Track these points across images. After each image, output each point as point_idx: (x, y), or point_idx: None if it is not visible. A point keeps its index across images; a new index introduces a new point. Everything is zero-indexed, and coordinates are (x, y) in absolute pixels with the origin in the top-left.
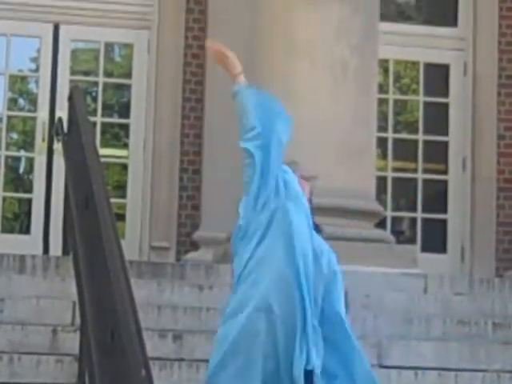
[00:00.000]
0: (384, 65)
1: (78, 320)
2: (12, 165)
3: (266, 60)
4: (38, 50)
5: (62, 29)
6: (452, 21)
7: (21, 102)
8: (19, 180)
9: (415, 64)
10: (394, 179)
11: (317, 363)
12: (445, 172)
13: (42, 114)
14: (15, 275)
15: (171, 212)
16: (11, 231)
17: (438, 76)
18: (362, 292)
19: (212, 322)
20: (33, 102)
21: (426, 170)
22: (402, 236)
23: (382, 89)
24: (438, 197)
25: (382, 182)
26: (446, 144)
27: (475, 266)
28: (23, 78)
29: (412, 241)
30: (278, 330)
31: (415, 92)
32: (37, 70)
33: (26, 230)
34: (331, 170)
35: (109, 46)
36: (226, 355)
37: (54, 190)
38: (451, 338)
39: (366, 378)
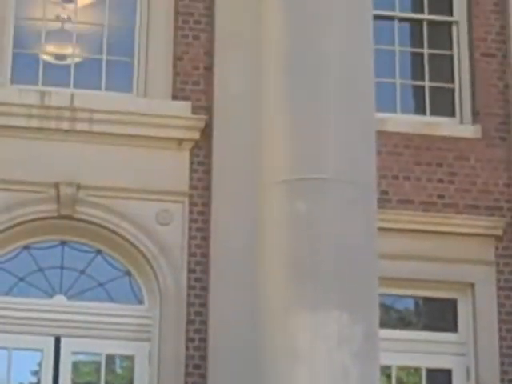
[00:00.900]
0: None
1: None
2: None
3: (270, 367)
4: (39, 363)
5: (64, 341)
6: (452, 326)
7: None
8: None
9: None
10: None
11: None
12: None
13: None
14: None
15: None
16: None
17: (440, 381)
18: None
19: None
20: None
21: None
22: None
23: None
24: None
25: None
26: None
27: None
28: None
29: None
30: None
31: None
32: (38, 383)
33: None
34: None
35: (109, 358)
36: None
37: None
38: None
39: None
